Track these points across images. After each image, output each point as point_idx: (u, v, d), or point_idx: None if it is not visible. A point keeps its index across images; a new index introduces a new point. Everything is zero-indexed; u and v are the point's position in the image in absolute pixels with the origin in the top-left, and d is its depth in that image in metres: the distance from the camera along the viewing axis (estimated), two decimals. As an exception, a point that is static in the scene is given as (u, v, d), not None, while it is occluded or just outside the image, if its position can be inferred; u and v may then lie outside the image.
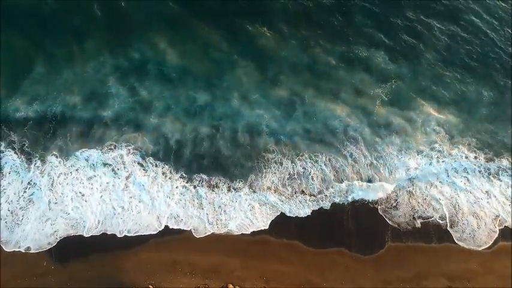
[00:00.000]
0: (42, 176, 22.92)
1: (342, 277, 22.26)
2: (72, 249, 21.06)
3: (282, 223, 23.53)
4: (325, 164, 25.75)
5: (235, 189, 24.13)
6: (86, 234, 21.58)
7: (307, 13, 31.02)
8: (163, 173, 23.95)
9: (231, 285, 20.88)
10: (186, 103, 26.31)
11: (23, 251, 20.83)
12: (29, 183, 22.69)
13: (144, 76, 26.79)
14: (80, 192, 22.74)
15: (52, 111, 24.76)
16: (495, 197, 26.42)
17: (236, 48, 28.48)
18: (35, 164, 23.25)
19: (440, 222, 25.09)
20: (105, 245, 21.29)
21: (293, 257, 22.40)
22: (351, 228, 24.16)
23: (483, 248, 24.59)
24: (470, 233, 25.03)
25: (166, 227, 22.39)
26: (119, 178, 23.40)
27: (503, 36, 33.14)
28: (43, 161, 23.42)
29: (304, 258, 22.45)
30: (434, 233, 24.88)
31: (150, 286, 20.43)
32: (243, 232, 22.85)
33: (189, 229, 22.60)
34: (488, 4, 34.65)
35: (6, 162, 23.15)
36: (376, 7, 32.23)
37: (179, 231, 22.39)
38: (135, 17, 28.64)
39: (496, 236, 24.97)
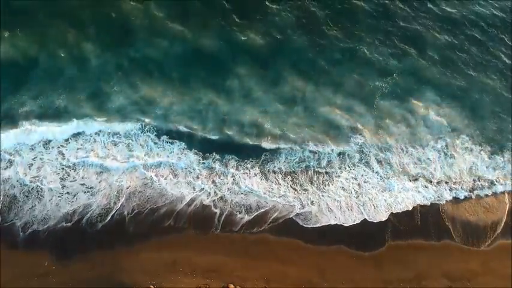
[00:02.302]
0: (49, 153, 22.59)
1: (343, 277, 22.32)
2: (73, 249, 20.95)
3: (282, 221, 23.53)
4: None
5: (246, 169, 24.43)
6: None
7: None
8: (179, 149, 24.13)
9: (231, 285, 20.91)
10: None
11: (24, 249, 20.75)
12: (34, 159, 22.33)
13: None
14: (96, 166, 22.78)
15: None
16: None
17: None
18: (39, 141, 22.80)
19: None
20: (106, 245, 21.19)
21: (294, 257, 22.41)
22: (351, 226, 24.16)
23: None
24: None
25: (169, 224, 22.31)
26: (135, 153, 23.47)
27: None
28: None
29: (304, 258, 22.48)
30: (434, 231, 24.97)
31: (151, 286, 20.42)
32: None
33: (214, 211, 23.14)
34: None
35: (7, 136, 22.62)
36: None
37: (180, 230, 22.28)
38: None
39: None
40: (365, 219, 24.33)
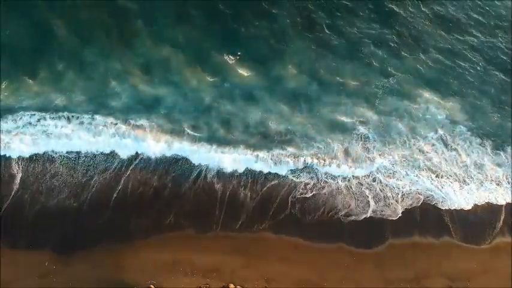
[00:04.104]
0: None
1: (343, 276, 22.39)
2: (74, 248, 21.01)
3: (283, 220, 23.51)
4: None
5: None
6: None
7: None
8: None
9: (232, 285, 20.96)
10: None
11: (25, 248, 20.78)
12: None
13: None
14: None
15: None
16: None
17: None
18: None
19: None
20: (106, 244, 21.24)
21: (294, 256, 22.43)
22: (351, 224, 24.15)
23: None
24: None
25: (170, 222, 22.32)
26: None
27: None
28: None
29: (305, 257, 22.49)
30: (434, 229, 24.94)
31: (151, 286, 20.51)
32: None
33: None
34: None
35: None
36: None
37: (180, 228, 22.29)
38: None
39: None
40: (365, 217, 24.32)
